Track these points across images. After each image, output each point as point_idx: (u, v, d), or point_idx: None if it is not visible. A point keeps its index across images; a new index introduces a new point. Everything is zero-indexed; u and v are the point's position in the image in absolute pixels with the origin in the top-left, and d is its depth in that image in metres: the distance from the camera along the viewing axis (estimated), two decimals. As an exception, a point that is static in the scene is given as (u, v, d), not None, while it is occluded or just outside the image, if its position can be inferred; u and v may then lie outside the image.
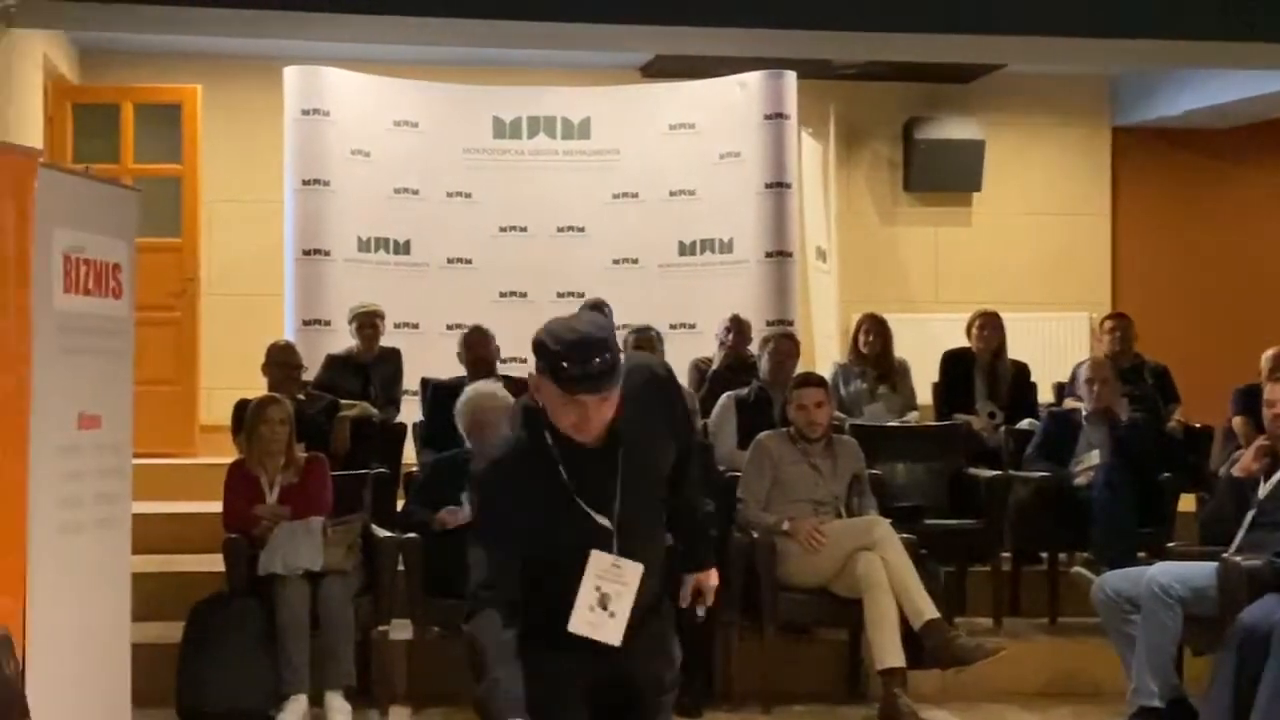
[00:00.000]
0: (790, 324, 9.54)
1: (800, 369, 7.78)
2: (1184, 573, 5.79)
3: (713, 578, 3.51)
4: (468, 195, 9.98)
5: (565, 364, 2.98)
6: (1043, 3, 8.52)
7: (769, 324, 9.36)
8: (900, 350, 8.73)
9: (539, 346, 3.04)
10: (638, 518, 3.18)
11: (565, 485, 3.08)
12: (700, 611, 3.52)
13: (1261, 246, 11.03)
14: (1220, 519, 6.02)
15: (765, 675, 6.46)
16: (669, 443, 3.27)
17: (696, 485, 3.46)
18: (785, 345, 7.89)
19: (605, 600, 3.12)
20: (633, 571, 3.14)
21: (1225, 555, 5.70)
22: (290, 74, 9.60)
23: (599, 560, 3.13)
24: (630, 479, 3.14)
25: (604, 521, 3.12)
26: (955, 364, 8.58)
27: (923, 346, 9.12)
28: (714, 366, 8.53)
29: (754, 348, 8.38)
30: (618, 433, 3.11)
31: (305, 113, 9.57)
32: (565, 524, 3.10)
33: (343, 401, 7.77)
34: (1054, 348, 10.66)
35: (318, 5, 7.99)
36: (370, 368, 8.36)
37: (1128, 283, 11.46)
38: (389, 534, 6.49)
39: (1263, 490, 5.90)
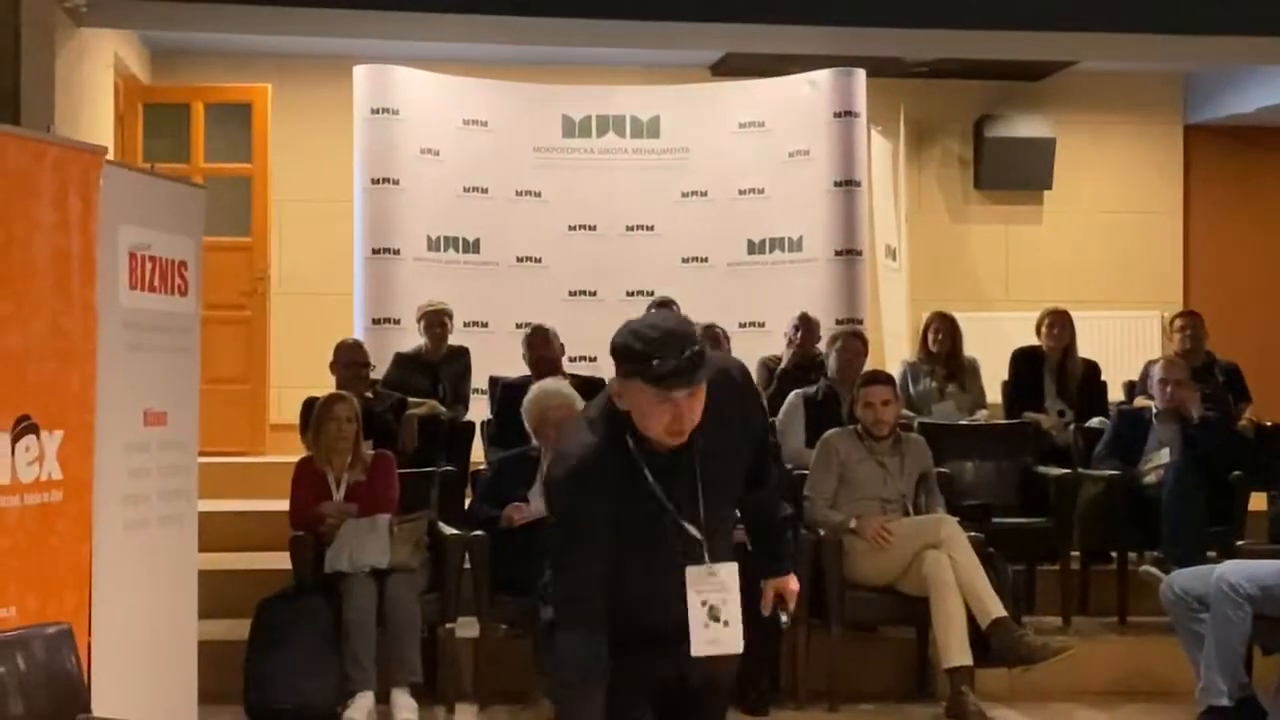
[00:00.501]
0: (859, 322, 9.49)
1: (869, 367, 7.73)
2: (1253, 571, 5.71)
3: (793, 583, 3.44)
4: (537, 194, 10.01)
5: (656, 360, 2.91)
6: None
7: (838, 322, 9.32)
8: (970, 348, 8.67)
9: (622, 350, 2.98)
10: (719, 521, 3.13)
11: (654, 495, 3.03)
12: (784, 619, 3.46)
13: (1334, 244, 10.91)
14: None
15: (832, 673, 6.44)
16: (746, 444, 3.20)
17: (774, 489, 3.39)
18: (853, 344, 7.86)
19: (715, 612, 3.07)
20: (729, 573, 3.09)
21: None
22: (359, 73, 9.67)
23: (696, 575, 3.07)
24: (710, 483, 3.08)
25: (694, 532, 3.06)
26: (1025, 362, 8.51)
27: (993, 345, 9.05)
28: (782, 365, 8.51)
29: (823, 346, 8.35)
30: (692, 437, 3.04)
31: (375, 111, 9.64)
32: (654, 534, 3.04)
33: (411, 400, 7.82)
34: (1125, 346, 10.55)
35: (387, 4, 8.05)
36: (439, 366, 8.40)
37: (1199, 281, 11.32)
38: (456, 531, 6.52)
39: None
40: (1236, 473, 7.25)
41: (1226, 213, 11.37)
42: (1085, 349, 8.67)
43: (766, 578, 3.40)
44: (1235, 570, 5.76)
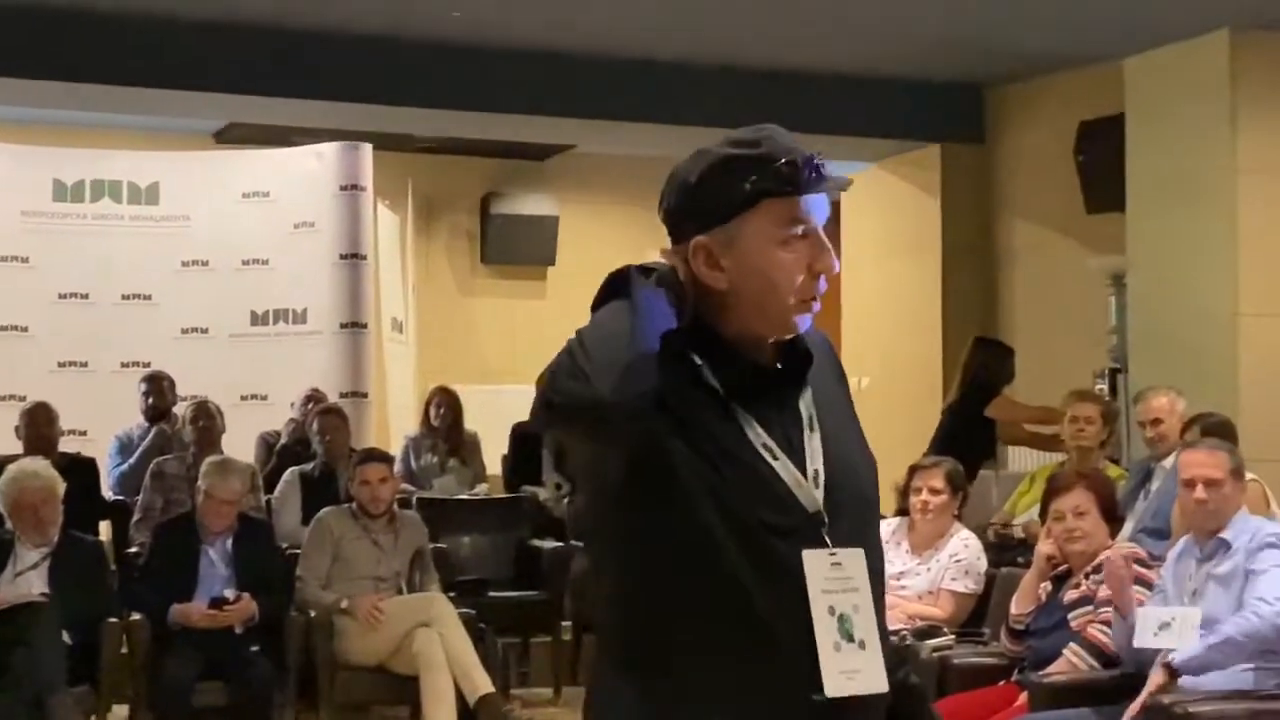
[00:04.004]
0: (364, 395, 9.50)
1: (376, 441, 7.74)
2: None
3: None
4: (24, 260, 9.55)
5: (786, 163, 2.04)
6: (612, 89, 8.84)
7: (343, 395, 9.28)
8: (479, 422, 8.82)
9: (723, 167, 2.05)
10: (850, 501, 2.09)
11: (744, 433, 2.03)
12: None
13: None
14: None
15: (322, 756, 6.35)
16: (867, 451, 2.18)
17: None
18: (329, 420, 7.77)
19: (847, 626, 2.03)
20: (856, 564, 2.06)
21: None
22: None
23: (816, 562, 2.02)
24: (831, 437, 2.09)
25: (803, 497, 2.05)
26: (524, 436, 8.71)
27: (501, 418, 9.19)
28: (282, 440, 8.38)
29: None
30: (802, 355, 2.10)
31: None
32: (750, 494, 2.01)
33: None
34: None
35: None
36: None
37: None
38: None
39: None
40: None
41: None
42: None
43: None
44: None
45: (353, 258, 9.77)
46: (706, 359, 2.04)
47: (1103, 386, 8.31)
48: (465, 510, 7.96)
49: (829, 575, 2.02)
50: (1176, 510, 5.14)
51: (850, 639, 2.03)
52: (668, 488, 1.99)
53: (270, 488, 7.64)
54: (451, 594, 6.65)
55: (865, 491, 2.12)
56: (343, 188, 9.79)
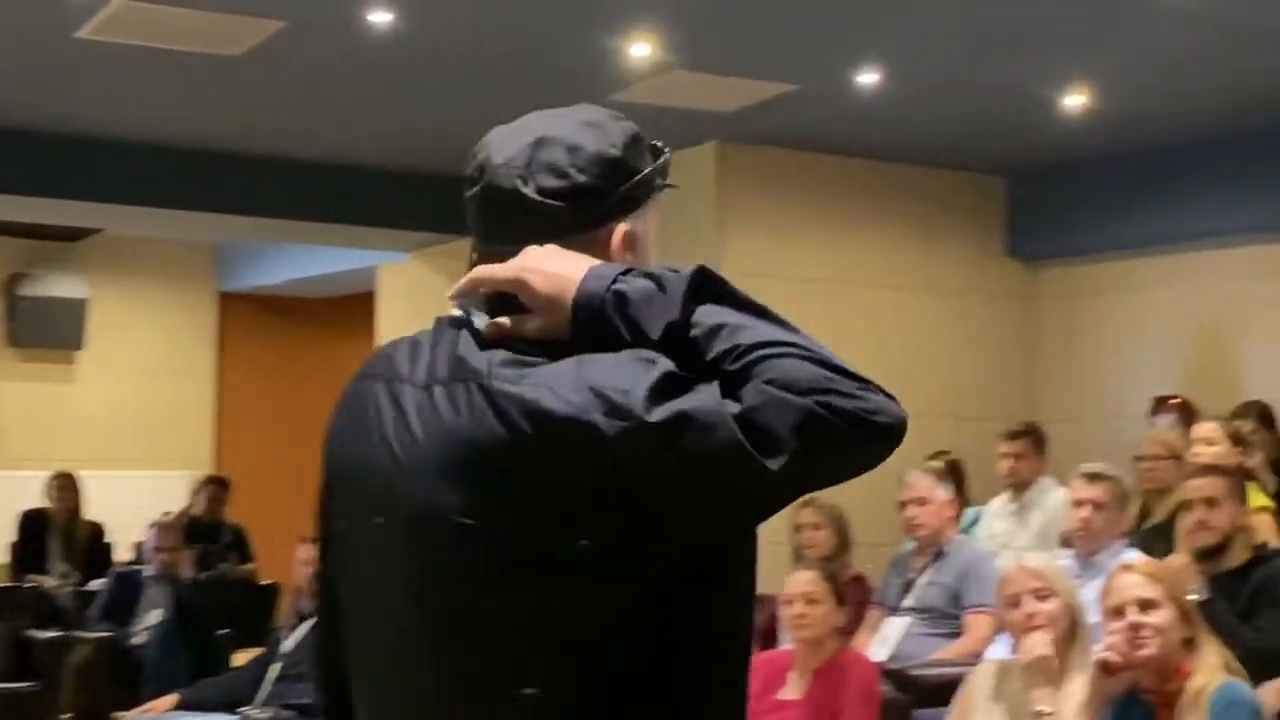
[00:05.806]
0: None
1: None
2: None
3: None
4: None
5: (665, 147, 1.70)
6: (144, 176, 8.80)
7: None
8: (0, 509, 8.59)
9: (636, 140, 1.67)
10: None
11: None
12: None
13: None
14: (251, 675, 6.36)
15: None
16: None
17: None
18: None
19: None
20: None
21: (245, 709, 6.00)
22: None
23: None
24: None
25: None
26: (32, 524, 8.55)
27: (23, 503, 8.98)
28: None
29: None
30: None
31: None
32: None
33: None
34: (154, 506, 10.72)
35: None
36: None
37: (230, 443, 11.76)
38: None
39: (289, 643, 6.28)
40: (225, 630, 7.64)
41: (256, 377, 11.94)
42: (115, 509, 8.84)
43: None
44: None
45: None
46: None
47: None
48: (-41, 601, 7.74)
49: None
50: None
51: None
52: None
53: None
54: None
55: None
56: None
